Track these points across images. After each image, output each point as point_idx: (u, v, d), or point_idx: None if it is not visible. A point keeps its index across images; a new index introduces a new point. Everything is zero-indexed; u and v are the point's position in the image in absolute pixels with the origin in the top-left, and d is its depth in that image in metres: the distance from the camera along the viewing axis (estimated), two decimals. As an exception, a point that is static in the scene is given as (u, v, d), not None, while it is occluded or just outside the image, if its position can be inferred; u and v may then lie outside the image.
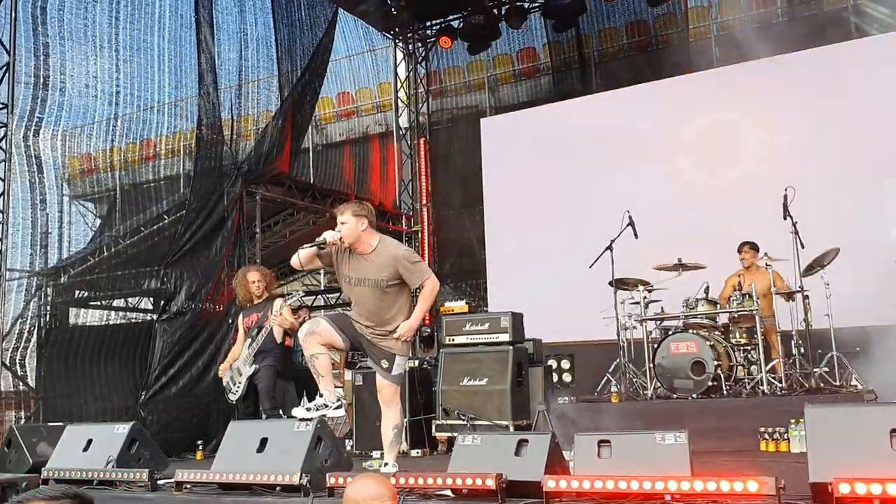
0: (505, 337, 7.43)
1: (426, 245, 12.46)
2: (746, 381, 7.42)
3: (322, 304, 14.73)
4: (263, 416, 6.60)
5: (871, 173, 9.44)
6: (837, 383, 7.30)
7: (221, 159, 9.04)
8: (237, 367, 6.83)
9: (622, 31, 11.71)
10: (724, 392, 7.20)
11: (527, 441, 4.18)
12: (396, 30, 12.76)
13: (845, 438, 3.49)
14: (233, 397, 6.91)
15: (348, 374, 9.50)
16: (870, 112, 9.51)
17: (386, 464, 5.04)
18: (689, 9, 11.09)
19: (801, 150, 9.87)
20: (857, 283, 8.54)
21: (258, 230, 9.49)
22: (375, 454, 7.05)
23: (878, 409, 3.79)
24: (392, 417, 5.07)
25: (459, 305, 8.77)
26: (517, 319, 7.58)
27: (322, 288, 15.30)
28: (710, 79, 10.66)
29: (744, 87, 10.26)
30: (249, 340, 6.78)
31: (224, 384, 7.00)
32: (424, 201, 12.60)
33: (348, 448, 7.64)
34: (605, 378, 8.33)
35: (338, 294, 14.80)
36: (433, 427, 7.44)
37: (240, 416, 6.81)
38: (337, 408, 5.06)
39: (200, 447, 7.62)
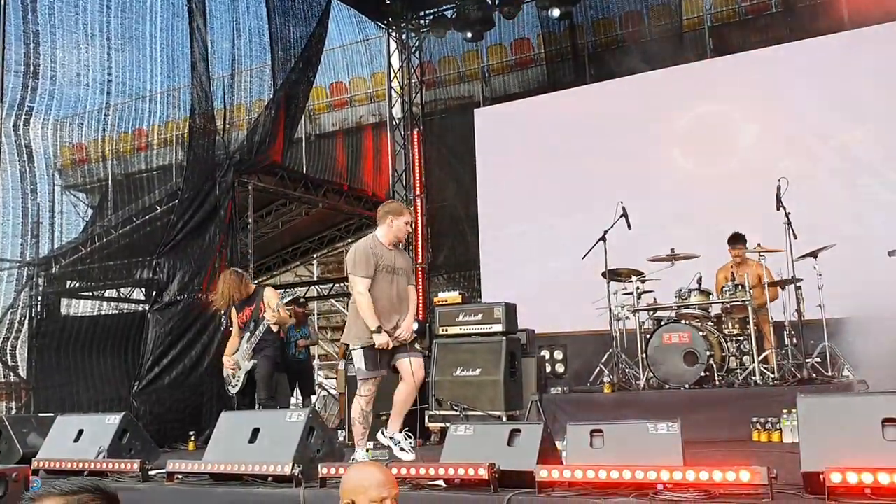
0: (498, 327, 7.42)
1: (420, 236, 12.42)
2: (739, 371, 7.42)
3: (315, 294, 14.72)
4: (258, 405, 6.60)
5: (865, 164, 9.45)
6: (829, 374, 7.32)
7: (214, 149, 9.00)
8: (236, 360, 6.83)
9: (616, 21, 11.67)
10: (717, 382, 7.20)
11: (519, 431, 4.18)
12: (390, 19, 12.70)
13: (837, 428, 3.50)
14: (232, 390, 6.93)
15: (341, 365, 9.51)
16: (863, 102, 9.51)
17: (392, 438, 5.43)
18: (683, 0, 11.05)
19: (795, 141, 9.88)
20: (850, 273, 8.57)
21: (250, 220, 9.45)
22: (368, 444, 7.05)
23: (870, 400, 3.79)
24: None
25: (452, 296, 8.74)
26: (510, 310, 7.57)
27: (315, 279, 15.29)
28: (704, 70, 10.65)
29: (738, 78, 10.25)
30: (248, 335, 6.77)
31: (224, 376, 7.01)
32: (418, 192, 12.56)
33: (341, 439, 7.64)
34: (598, 368, 8.33)
35: (330, 285, 14.79)
36: (426, 418, 7.44)
37: (237, 408, 6.81)
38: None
39: (193, 438, 7.62)
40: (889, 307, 6.96)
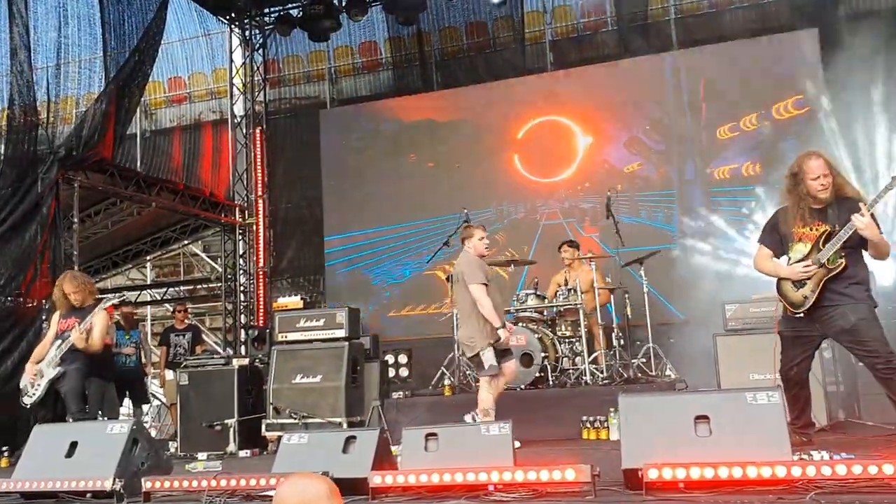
0: (341, 333, 7.35)
1: (261, 238, 12.10)
2: (571, 371, 7.75)
3: (148, 299, 14.01)
4: (70, 420, 6.14)
5: (693, 174, 10.13)
6: (653, 373, 7.78)
7: (36, 143, 8.41)
8: (40, 367, 6.32)
9: (461, 30, 11.88)
10: (551, 383, 7.49)
11: (354, 438, 4.15)
12: (233, 15, 12.31)
13: (655, 426, 3.69)
14: (28, 400, 6.37)
15: (170, 374, 9.10)
16: (691, 117, 10.19)
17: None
18: (526, 13, 11.40)
19: (626, 154, 10.44)
20: (675, 278, 9.16)
21: (76, 220, 8.86)
22: (201, 456, 6.79)
23: (684, 398, 4.04)
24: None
25: (294, 301, 8.62)
26: (353, 315, 7.51)
27: (148, 283, 14.55)
28: (544, 82, 11.06)
29: (576, 91, 10.74)
30: (59, 342, 6.29)
31: (21, 386, 6.44)
32: (260, 193, 12.22)
33: (172, 450, 7.31)
34: (440, 372, 8.44)
35: (164, 289, 14.11)
36: (263, 427, 7.24)
37: (37, 423, 6.29)
38: None
39: (6, 454, 7.05)
40: (709, 309, 7.48)
